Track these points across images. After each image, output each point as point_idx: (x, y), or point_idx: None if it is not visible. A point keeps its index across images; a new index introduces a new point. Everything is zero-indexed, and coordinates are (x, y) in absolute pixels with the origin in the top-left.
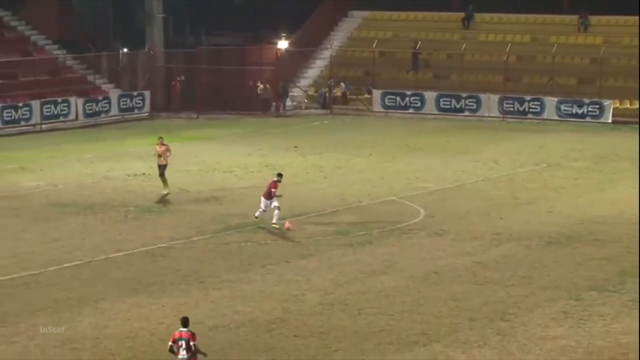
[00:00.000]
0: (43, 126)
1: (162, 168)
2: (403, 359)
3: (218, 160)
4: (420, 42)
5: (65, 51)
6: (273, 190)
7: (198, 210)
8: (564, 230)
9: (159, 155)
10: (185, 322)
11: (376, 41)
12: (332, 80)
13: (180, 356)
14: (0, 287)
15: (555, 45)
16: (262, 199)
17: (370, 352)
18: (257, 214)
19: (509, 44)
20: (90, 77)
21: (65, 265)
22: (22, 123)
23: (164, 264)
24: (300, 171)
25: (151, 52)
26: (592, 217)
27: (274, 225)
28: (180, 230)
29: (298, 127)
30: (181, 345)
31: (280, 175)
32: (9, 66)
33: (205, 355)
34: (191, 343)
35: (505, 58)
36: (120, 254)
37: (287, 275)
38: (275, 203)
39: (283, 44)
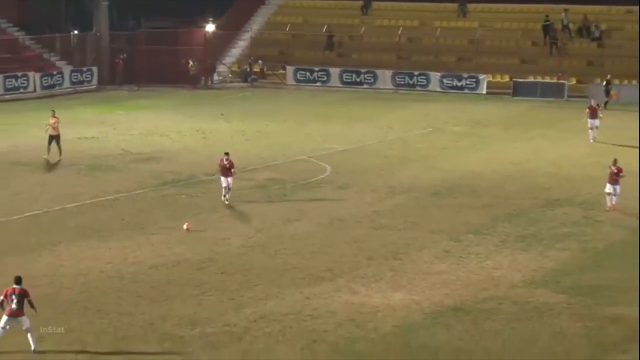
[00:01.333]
0: (6, 97)
1: (53, 138)
2: (313, 291)
3: (156, 126)
4: (326, 27)
5: (24, 33)
6: (226, 165)
7: (139, 168)
8: (446, 184)
9: (52, 127)
10: (18, 280)
11: (289, 25)
12: (252, 58)
13: (10, 307)
14: None
15: (439, 28)
16: (222, 177)
17: (285, 285)
18: (223, 195)
19: (401, 28)
20: (46, 55)
21: (27, 214)
22: None
23: (111, 213)
24: (226, 135)
25: (98, 34)
26: (470, 173)
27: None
28: (124, 184)
29: (224, 98)
30: (12, 300)
31: (227, 153)
32: None
33: (36, 311)
34: (26, 299)
35: (397, 40)
36: (74, 204)
37: (215, 223)
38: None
39: (210, 27)
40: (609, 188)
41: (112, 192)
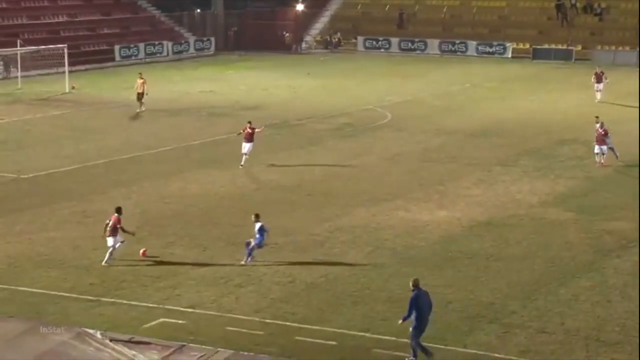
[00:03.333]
0: (147, 60)
1: (140, 95)
2: (376, 209)
3: (258, 82)
4: (388, 6)
5: (160, 11)
6: (249, 131)
7: (246, 114)
8: (480, 127)
9: (140, 86)
10: (119, 209)
11: (360, 5)
12: (332, 30)
13: (107, 229)
14: (115, 163)
15: (475, 7)
16: (244, 143)
17: (355, 205)
18: (241, 164)
19: (445, 7)
20: (176, 28)
21: (160, 149)
22: (133, 58)
23: (225, 148)
24: (312, 89)
25: (215, 12)
26: (498, 118)
27: None
28: (235, 127)
29: (309, 61)
30: (109, 224)
31: (249, 122)
32: (123, 21)
33: (133, 233)
34: (118, 226)
35: (443, 16)
36: (197, 142)
37: (303, 157)
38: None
39: (300, 7)
40: (597, 149)
41: (225, 133)
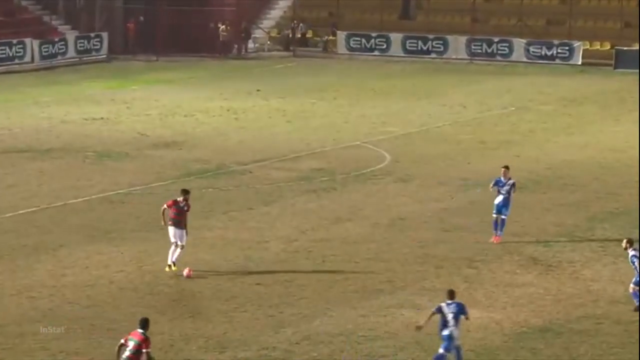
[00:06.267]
0: None
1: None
2: (368, 307)
3: (178, 104)
4: None
5: None
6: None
7: (158, 155)
8: (532, 176)
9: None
10: (143, 323)
11: None
12: (295, 21)
13: (123, 356)
14: None
15: None
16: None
17: (334, 300)
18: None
19: None
20: (46, 18)
21: (21, 211)
22: None
23: (124, 211)
24: (263, 115)
25: None
26: (561, 162)
27: None
28: (139, 176)
29: (261, 70)
30: (128, 346)
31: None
32: None
33: None
34: (144, 350)
35: (473, 0)
36: (79, 200)
37: (250, 223)
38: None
39: None
40: None
41: (125, 185)
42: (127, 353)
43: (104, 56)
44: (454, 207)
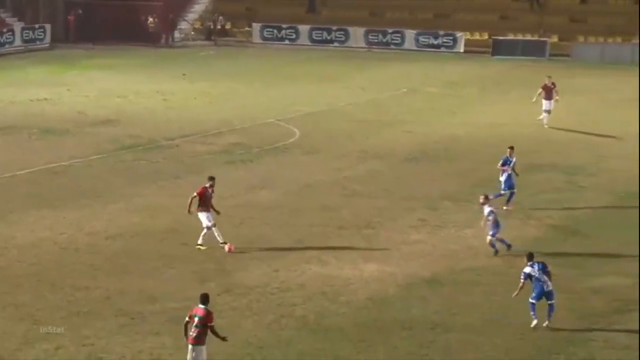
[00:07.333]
0: None
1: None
2: (281, 263)
3: (113, 87)
4: None
5: None
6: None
7: (95, 132)
8: (421, 149)
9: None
10: (204, 299)
11: None
12: (216, 14)
13: (190, 333)
14: None
15: None
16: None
17: (251, 257)
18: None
19: None
20: None
21: None
22: None
23: (65, 181)
24: (188, 97)
25: None
26: (446, 137)
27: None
28: (79, 150)
29: (186, 57)
30: (194, 322)
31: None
32: None
33: (224, 339)
34: (208, 324)
35: None
36: (25, 171)
37: (177, 191)
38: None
39: None
40: None
41: (67, 158)
42: (193, 328)
43: (47, 45)
44: (354, 176)
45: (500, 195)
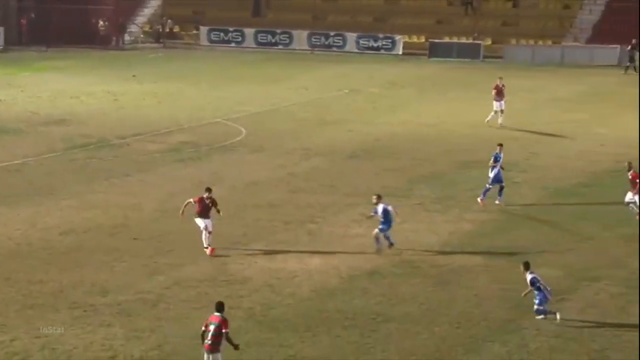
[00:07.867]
0: None
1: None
2: (228, 257)
3: (65, 88)
4: None
5: None
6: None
7: (48, 131)
8: (362, 146)
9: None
10: (219, 306)
11: None
12: (164, 18)
13: (206, 341)
14: None
15: None
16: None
17: (200, 251)
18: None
19: None
20: None
21: None
22: None
23: (19, 178)
24: (138, 97)
25: None
26: (386, 135)
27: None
28: (32, 148)
29: (135, 59)
30: (210, 330)
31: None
32: None
33: (236, 347)
34: (223, 331)
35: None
36: None
37: (127, 188)
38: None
39: None
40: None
41: (20, 156)
42: (209, 336)
43: (1, 47)
44: (298, 172)
45: (489, 189)
